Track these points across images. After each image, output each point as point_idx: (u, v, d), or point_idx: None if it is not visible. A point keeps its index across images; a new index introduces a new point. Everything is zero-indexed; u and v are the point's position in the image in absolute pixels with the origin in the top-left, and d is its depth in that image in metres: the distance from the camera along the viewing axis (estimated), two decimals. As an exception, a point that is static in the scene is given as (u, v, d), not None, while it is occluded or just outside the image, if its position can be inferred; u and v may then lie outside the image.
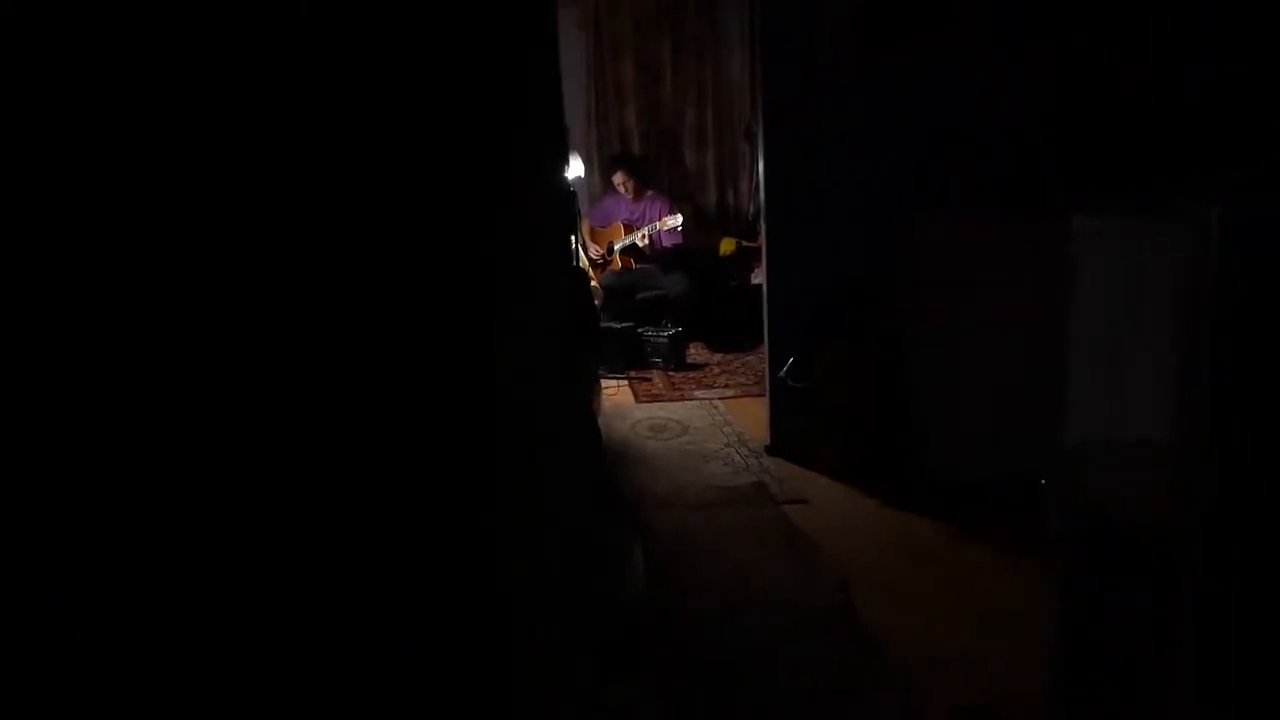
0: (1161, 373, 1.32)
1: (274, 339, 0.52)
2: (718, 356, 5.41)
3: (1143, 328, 1.53)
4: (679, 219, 5.40)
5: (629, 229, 5.61)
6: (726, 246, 6.04)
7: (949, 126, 3.32)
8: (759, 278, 4.44)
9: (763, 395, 3.80)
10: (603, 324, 5.10)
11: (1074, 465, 1.46)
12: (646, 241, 5.47)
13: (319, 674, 0.54)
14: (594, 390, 3.61)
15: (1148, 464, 1.31)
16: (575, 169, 5.44)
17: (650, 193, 5.71)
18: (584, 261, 5.55)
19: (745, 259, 5.81)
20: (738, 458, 3.62)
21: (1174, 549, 1.15)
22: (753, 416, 4.06)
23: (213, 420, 0.48)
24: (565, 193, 3.81)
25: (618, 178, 5.68)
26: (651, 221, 5.50)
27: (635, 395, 4.69)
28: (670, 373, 5.08)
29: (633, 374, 5.03)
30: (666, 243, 5.51)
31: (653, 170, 6.20)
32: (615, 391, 4.74)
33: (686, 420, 4.19)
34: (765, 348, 3.64)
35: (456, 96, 0.73)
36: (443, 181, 0.71)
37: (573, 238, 4.91)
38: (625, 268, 5.67)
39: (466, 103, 0.74)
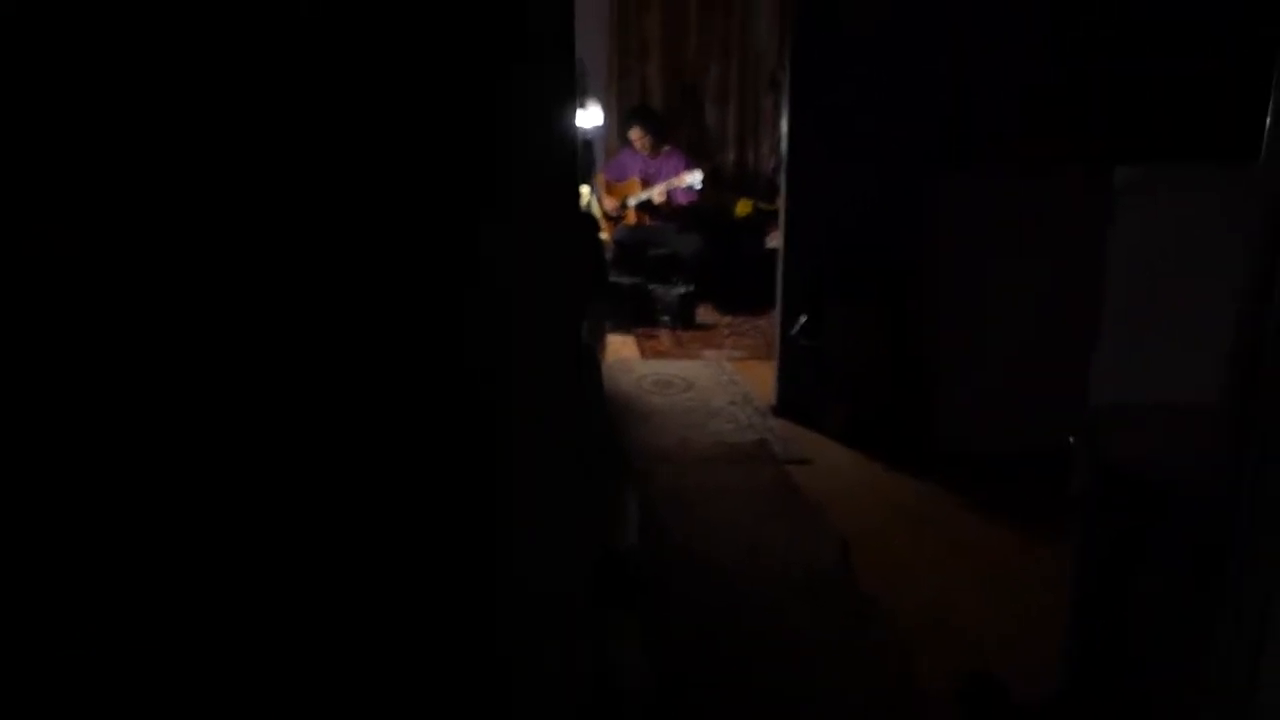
0: (1212, 331, 1.23)
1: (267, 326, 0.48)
2: (727, 318, 5.31)
3: (1192, 281, 1.45)
4: (698, 175, 5.27)
5: (645, 184, 5.49)
6: (743, 208, 5.91)
7: (974, 83, 3.20)
8: (774, 241, 4.33)
9: (771, 359, 3.72)
10: (612, 279, 5.01)
11: (1105, 424, 1.38)
12: (664, 198, 5.35)
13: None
14: (599, 335, 3.53)
15: (1190, 425, 1.23)
16: (595, 118, 5.30)
17: (667, 148, 5.58)
18: (597, 212, 5.44)
19: (761, 221, 5.69)
20: (742, 416, 3.54)
21: (1217, 515, 1.07)
22: (760, 378, 3.98)
23: (215, 418, 0.44)
24: (575, 135, 3.66)
25: (634, 133, 5.55)
26: (668, 177, 5.37)
27: (641, 351, 4.60)
28: (678, 331, 4.99)
29: (640, 330, 4.94)
30: (682, 200, 5.39)
31: (672, 129, 6.06)
32: (621, 347, 4.65)
33: (692, 378, 4.11)
34: (777, 307, 3.55)
35: (451, 29, 0.69)
36: (436, 121, 0.68)
37: (586, 187, 4.79)
38: (639, 223, 5.56)
39: (461, 33, 0.71)
